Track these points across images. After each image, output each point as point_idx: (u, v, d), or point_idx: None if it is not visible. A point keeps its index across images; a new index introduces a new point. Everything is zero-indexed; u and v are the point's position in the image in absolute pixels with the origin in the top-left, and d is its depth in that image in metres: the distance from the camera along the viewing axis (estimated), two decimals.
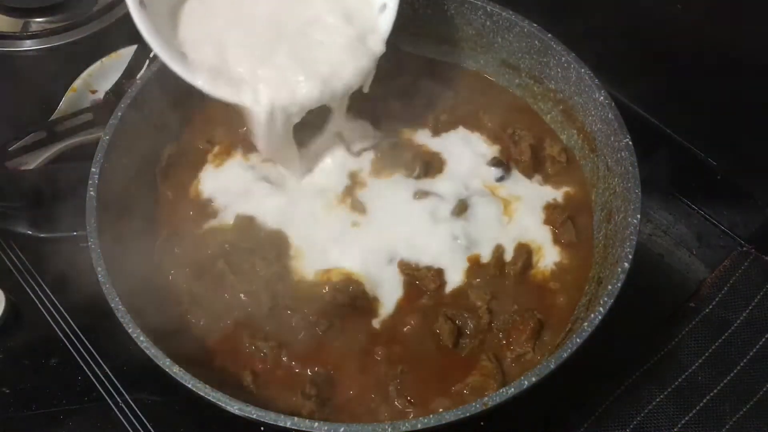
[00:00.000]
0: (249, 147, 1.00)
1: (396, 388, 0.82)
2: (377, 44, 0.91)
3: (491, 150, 1.02)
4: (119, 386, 0.96)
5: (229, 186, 0.97)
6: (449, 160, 1.01)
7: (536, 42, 1.01)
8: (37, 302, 1.02)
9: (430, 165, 1.00)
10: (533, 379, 0.72)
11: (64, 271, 1.01)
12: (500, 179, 0.99)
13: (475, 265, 0.91)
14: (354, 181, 0.98)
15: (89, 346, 0.99)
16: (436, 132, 1.04)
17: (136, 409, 0.94)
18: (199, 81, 0.86)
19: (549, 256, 0.93)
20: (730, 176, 1.10)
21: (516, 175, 1.00)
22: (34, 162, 1.11)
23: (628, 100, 1.10)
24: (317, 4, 0.92)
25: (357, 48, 0.90)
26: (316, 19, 0.91)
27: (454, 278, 0.90)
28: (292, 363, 0.84)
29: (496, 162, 1.00)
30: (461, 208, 0.94)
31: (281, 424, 0.70)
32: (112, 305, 0.77)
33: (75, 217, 0.87)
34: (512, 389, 0.72)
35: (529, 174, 1.00)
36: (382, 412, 0.81)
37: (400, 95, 1.05)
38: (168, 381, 0.73)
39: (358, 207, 0.95)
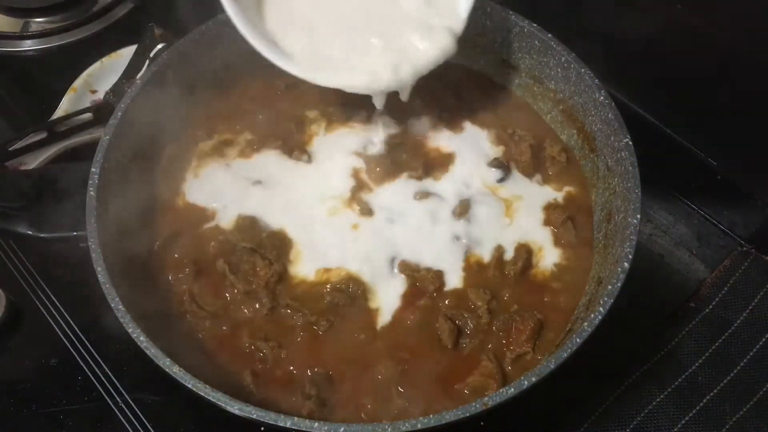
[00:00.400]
0: (252, 144, 1.01)
1: (396, 388, 0.82)
2: (457, 24, 0.92)
3: (495, 150, 1.02)
4: (119, 386, 0.96)
5: (226, 186, 0.97)
6: (452, 161, 1.01)
7: (536, 42, 1.01)
8: (37, 302, 1.02)
9: (433, 165, 1.00)
10: (533, 379, 0.72)
11: (64, 271, 1.02)
12: (501, 180, 0.99)
13: (475, 266, 0.91)
14: (358, 182, 0.98)
15: (89, 346, 0.99)
16: (438, 131, 1.04)
17: (136, 409, 0.94)
18: (296, 70, 0.88)
19: (549, 256, 0.93)
20: (730, 176, 1.10)
21: (516, 175, 1.00)
22: (34, 162, 1.11)
23: (628, 100, 1.10)
24: None
25: (439, 31, 0.91)
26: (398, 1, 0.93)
27: (455, 279, 0.90)
28: (292, 363, 0.84)
29: (496, 163, 1.00)
30: (462, 209, 0.94)
31: (281, 424, 0.70)
32: (112, 305, 0.77)
33: (75, 217, 0.87)
34: (512, 389, 0.72)
35: (529, 174, 1.00)
36: (382, 412, 0.81)
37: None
38: (168, 381, 0.73)
39: (364, 208, 0.95)
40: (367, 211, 0.95)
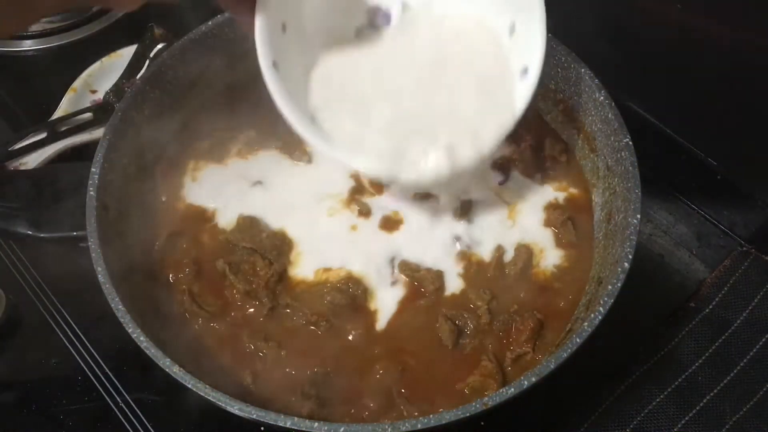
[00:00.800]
0: (252, 144, 1.01)
1: (396, 388, 0.82)
2: (514, 112, 0.83)
3: (500, 151, 1.01)
4: (119, 386, 0.96)
5: (225, 187, 0.97)
6: None
7: None
8: (37, 302, 1.02)
9: None
10: (533, 379, 0.72)
11: (64, 271, 1.02)
12: (502, 183, 0.99)
13: (475, 266, 0.91)
14: (358, 183, 0.98)
15: (89, 347, 0.99)
16: None
17: (136, 409, 0.94)
18: (339, 153, 0.80)
19: (549, 257, 0.93)
20: (730, 176, 1.10)
21: (516, 175, 1.00)
22: (34, 162, 1.11)
23: (628, 100, 1.10)
24: (454, 72, 0.85)
25: (492, 119, 0.83)
26: (454, 87, 0.84)
27: (455, 279, 0.90)
28: (292, 363, 0.84)
29: (497, 165, 1.00)
30: (464, 210, 0.94)
31: (281, 424, 0.70)
32: (112, 305, 0.77)
33: (75, 217, 0.87)
34: (512, 389, 0.72)
35: (529, 174, 1.00)
36: (382, 412, 0.81)
37: None
38: (168, 381, 0.73)
39: (363, 209, 0.95)
40: (366, 211, 0.95)
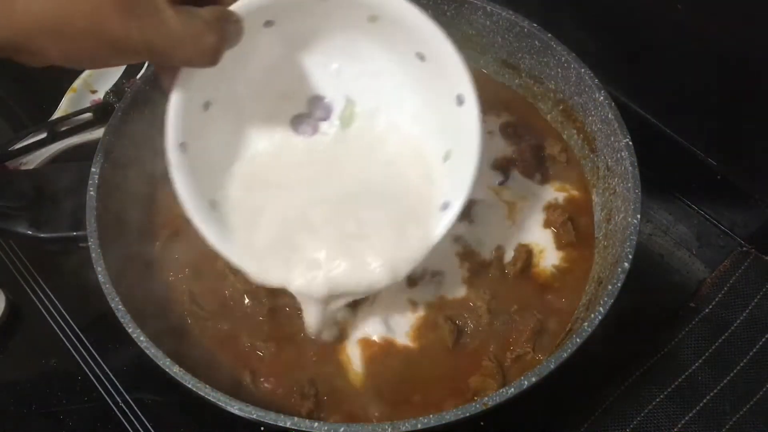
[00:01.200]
0: None
1: (396, 387, 0.82)
2: (429, 240, 0.78)
3: (495, 152, 1.01)
4: (119, 386, 0.96)
5: None
6: None
7: (536, 42, 1.01)
8: (37, 302, 1.02)
9: None
10: (533, 379, 0.72)
11: (64, 271, 1.02)
12: (502, 183, 0.99)
13: (475, 266, 0.91)
14: None
15: (89, 346, 0.99)
16: None
17: (136, 409, 0.94)
18: (228, 251, 0.76)
19: (549, 257, 0.93)
20: (730, 176, 1.10)
21: (516, 175, 1.00)
22: (34, 162, 1.11)
23: (628, 100, 1.10)
24: (375, 198, 0.81)
25: (407, 243, 0.78)
26: (371, 211, 0.80)
27: (455, 279, 0.90)
28: (292, 362, 0.84)
29: (497, 165, 1.00)
30: (464, 211, 0.94)
31: (281, 424, 0.70)
32: (112, 305, 0.77)
33: (75, 217, 0.87)
34: (512, 389, 0.72)
35: (529, 174, 1.00)
36: (382, 411, 0.81)
37: None
38: (168, 381, 0.73)
39: None
40: None
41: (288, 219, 0.79)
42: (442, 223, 0.78)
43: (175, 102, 0.72)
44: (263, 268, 0.77)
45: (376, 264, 0.76)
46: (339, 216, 0.79)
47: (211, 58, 0.65)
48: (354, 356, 0.84)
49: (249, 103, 0.83)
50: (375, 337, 0.85)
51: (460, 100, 0.78)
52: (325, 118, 0.87)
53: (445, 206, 0.78)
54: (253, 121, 0.84)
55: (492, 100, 1.07)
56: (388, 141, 0.85)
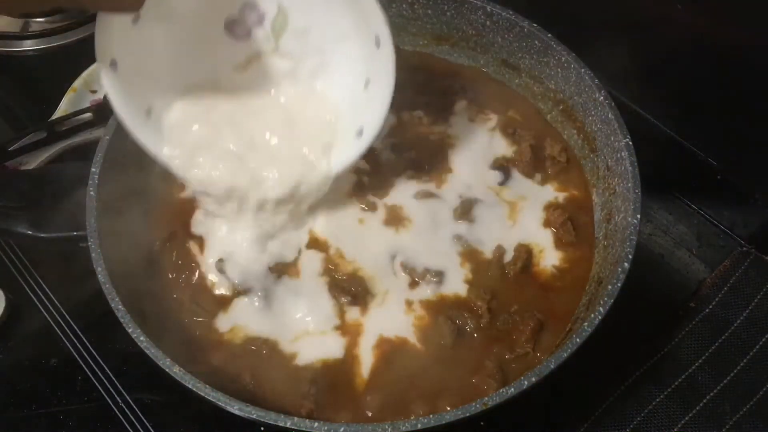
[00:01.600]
0: None
1: (395, 387, 0.82)
2: (331, 168, 0.88)
3: (495, 152, 1.01)
4: (119, 386, 0.96)
5: None
6: (453, 163, 1.00)
7: (536, 42, 1.01)
8: (37, 302, 1.02)
9: (433, 167, 0.99)
10: (533, 379, 0.72)
11: (64, 271, 1.02)
12: (502, 183, 0.99)
13: (475, 266, 0.91)
14: (360, 179, 0.97)
15: (89, 346, 0.99)
16: (438, 131, 1.04)
17: (136, 409, 0.94)
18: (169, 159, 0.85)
19: (549, 256, 0.93)
20: (730, 176, 1.10)
21: (516, 175, 1.00)
22: (34, 162, 1.11)
23: (628, 100, 1.10)
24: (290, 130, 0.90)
25: (311, 165, 0.88)
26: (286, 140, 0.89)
27: (455, 279, 0.90)
28: (292, 362, 0.84)
29: (497, 165, 1.00)
30: (464, 210, 0.94)
31: (281, 424, 0.70)
32: (112, 305, 0.77)
33: (75, 217, 0.87)
34: (512, 389, 0.72)
35: (529, 174, 1.00)
36: (382, 411, 0.81)
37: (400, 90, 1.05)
38: (168, 381, 0.73)
39: (369, 205, 0.95)
40: (371, 207, 0.94)
41: (215, 126, 0.87)
42: (358, 146, 0.85)
43: (101, 21, 0.75)
44: (187, 166, 0.85)
45: (272, 176, 0.85)
46: (258, 133, 0.87)
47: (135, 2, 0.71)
48: (365, 354, 0.85)
49: (181, 8, 0.85)
50: (376, 337, 0.86)
51: (377, 40, 0.82)
52: (259, 22, 0.89)
53: (360, 133, 0.85)
54: (187, 27, 0.86)
55: (492, 99, 1.08)
56: (314, 71, 0.91)
